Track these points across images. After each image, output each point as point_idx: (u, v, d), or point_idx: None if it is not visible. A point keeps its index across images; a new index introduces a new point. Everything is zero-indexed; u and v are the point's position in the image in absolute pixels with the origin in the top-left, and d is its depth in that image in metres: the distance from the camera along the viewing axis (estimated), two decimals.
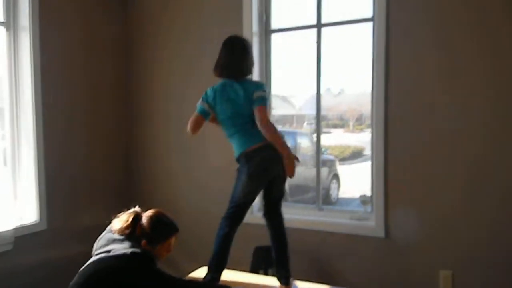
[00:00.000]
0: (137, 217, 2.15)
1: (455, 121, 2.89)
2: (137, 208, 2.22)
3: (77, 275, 1.98)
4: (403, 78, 3.03)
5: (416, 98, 3.00)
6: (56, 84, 3.36)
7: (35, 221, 3.21)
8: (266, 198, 2.71)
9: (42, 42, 3.23)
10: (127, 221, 2.11)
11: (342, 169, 6.57)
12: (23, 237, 3.07)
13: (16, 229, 3.03)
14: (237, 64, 2.63)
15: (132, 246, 2.01)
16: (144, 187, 3.99)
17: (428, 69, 2.96)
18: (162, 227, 2.17)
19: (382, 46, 3.05)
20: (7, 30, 3.16)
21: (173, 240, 2.20)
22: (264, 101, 2.56)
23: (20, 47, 3.19)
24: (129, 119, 4.05)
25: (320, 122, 3.44)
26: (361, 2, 3.30)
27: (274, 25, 3.58)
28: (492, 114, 2.81)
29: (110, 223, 2.18)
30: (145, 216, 2.18)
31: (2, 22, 3.14)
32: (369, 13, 3.19)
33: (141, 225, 2.13)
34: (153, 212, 2.19)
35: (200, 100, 2.67)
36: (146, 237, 2.10)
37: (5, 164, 3.14)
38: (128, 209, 2.21)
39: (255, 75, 3.40)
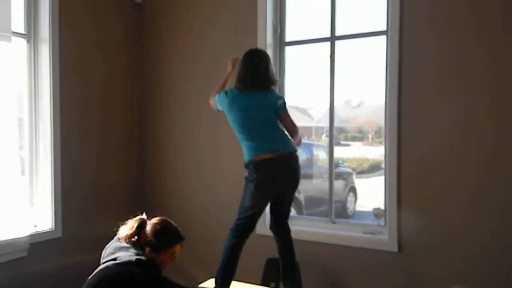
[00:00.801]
0: (142, 224, 2.17)
1: (468, 133, 2.85)
2: (143, 216, 2.24)
3: (85, 284, 2.01)
4: (416, 91, 3.00)
5: (430, 112, 2.96)
6: (72, 94, 3.42)
7: (50, 228, 3.27)
8: (273, 213, 2.69)
9: (61, 53, 3.31)
10: (132, 227, 2.15)
11: (360, 182, 6.50)
12: (38, 244, 3.13)
13: (31, 236, 3.08)
14: (264, 76, 2.70)
15: (137, 254, 2.03)
16: (158, 196, 4.02)
17: (442, 82, 2.93)
18: (166, 235, 2.17)
19: (396, 59, 3.03)
20: (27, 42, 3.24)
21: (177, 248, 2.20)
22: (286, 107, 2.69)
23: (40, 58, 3.28)
24: (143, 128, 4.10)
25: (333, 135, 3.42)
26: (375, 16, 3.29)
27: (288, 37, 3.60)
28: (505, 122, 2.77)
29: (118, 230, 2.21)
30: (150, 223, 2.19)
31: (23, 34, 3.22)
32: (383, 26, 3.18)
33: (145, 232, 2.15)
34: (158, 220, 2.20)
35: (218, 97, 2.81)
36: (150, 244, 2.12)
37: (23, 173, 3.20)
38: (135, 216, 2.23)
39: None
